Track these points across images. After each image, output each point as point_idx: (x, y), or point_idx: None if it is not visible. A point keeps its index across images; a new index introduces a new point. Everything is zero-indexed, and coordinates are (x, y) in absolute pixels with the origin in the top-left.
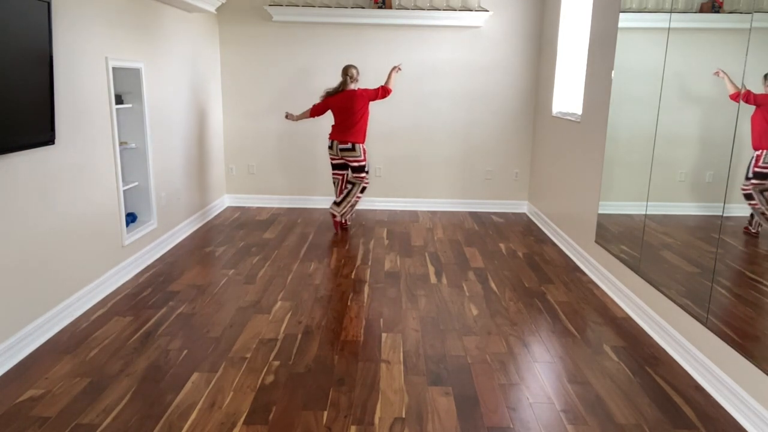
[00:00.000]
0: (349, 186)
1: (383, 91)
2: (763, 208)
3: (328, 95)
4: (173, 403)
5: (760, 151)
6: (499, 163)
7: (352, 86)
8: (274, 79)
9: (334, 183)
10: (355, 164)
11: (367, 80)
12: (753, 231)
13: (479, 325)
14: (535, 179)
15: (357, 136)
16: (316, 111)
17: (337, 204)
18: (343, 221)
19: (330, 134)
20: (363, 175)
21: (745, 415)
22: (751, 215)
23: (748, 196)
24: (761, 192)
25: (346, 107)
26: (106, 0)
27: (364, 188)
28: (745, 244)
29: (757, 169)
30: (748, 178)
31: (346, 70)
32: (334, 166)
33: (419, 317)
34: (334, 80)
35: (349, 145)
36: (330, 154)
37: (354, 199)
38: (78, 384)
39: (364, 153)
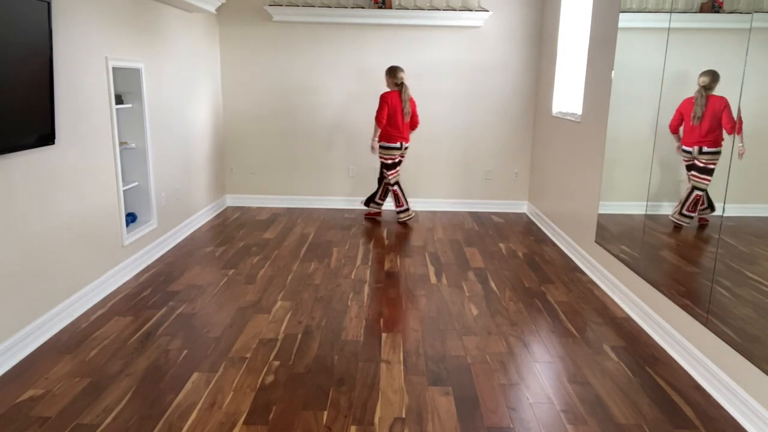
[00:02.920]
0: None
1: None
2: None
3: (387, 97)
4: (173, 403)
5: None
6: (499, 163)
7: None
8: (274, 79)
9: (390, 184)
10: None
11: (367, 80)
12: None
13: (479, 325)
14: (535, 179)
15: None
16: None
17: (399, 211)
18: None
19: (393, 137)
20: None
21: (745, 415)
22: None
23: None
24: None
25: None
26: (106, 0)
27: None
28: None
29: None
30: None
31: (397, 72)
32: (394, 165)
33: (419, 317)
34: (333, 80)
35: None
36: (394, 155)
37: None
38: (78, 384)
39: None
